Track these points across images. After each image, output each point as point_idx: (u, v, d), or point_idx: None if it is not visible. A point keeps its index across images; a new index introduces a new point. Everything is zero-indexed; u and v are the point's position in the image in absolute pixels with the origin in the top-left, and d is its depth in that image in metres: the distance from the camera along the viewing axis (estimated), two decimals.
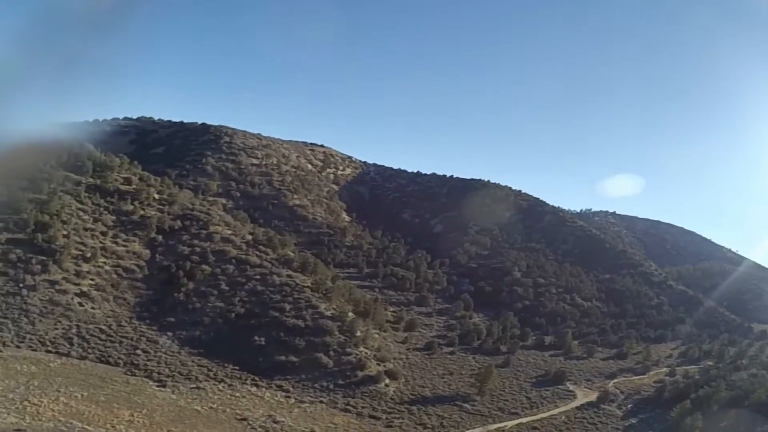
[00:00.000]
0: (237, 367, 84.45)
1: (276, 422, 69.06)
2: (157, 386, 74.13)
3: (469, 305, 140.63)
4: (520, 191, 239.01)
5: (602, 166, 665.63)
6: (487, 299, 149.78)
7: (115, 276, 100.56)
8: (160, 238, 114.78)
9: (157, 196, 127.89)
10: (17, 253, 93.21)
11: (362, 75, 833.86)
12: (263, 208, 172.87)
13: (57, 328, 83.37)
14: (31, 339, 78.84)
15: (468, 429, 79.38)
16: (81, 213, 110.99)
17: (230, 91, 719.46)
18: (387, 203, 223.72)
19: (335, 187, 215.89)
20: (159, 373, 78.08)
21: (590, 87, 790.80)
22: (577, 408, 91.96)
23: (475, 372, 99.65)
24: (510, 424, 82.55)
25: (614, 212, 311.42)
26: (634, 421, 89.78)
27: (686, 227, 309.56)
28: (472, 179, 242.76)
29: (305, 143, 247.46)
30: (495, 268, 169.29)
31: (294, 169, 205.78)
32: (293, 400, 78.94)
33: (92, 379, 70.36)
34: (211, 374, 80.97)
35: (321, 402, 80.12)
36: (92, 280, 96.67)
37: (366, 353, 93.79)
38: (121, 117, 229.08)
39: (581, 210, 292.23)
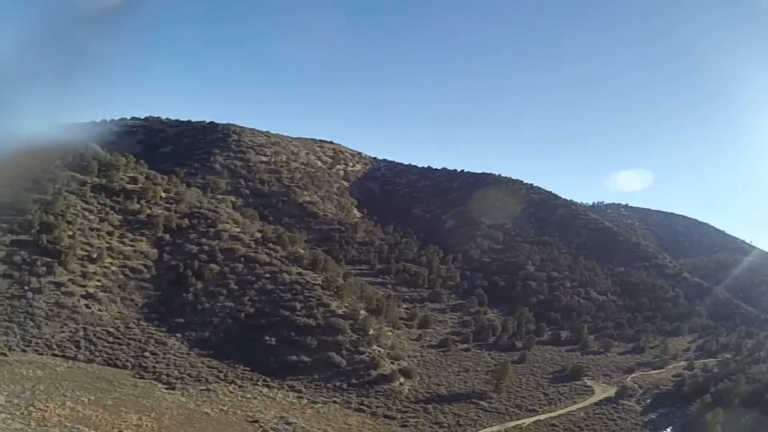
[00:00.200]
0: (248, 368, 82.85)
1: (288, 424, 67.42)
2: (166, 389, 72.57)
3: (483, 301, 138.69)
4: (531, 185, 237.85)
5: (611, 160, 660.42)
6: (501, 294, 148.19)
7: (122, 276, 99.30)
8: (167, 237, 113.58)
9: (163, 195, 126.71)
10: (22, 254, 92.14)
11: (370, 71, 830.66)
12: (273, 206, 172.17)
13: (63, 331, 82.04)
14: (37, 343, 77.55)
15: (485, 427, 77.35)
16: (86, 213, 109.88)
17: (237, 89, 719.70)
18: (398, 199, 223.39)
19: (345, 183, 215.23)
20: (168, 375, 76.53)
21: (599, 79, 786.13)
22: (596, 404, 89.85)
23: (491, 369, 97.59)
24: (528, 421, 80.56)
25: (626, 204, 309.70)
26: (653, 417, 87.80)
27: (699, 219, 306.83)
28: (482, 173, 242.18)
29: (314, 140, 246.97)
30: (508, 263, 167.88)
31: (303, 166, 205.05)
32: (306, 401, 77.21)
33: (99, 383, 68.96)
34: (222, 375, 79.40)
35: (334, 402, 78.34)
36: (99, 281, 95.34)
37: (379, 352, 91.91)
38: (128, 117, 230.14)
39: (593, 203, 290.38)
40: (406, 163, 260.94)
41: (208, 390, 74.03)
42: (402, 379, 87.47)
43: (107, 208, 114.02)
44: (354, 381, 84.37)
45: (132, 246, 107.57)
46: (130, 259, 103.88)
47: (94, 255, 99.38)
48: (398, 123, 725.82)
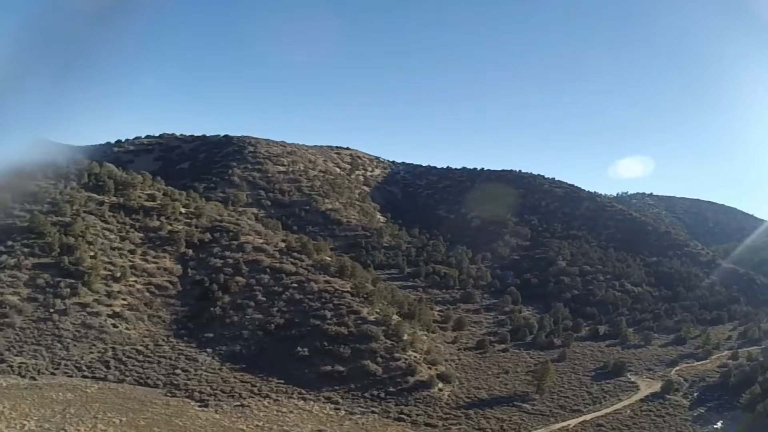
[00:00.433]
0: (281, 381, 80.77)
1: None
2: (199, 406, 70.70)
3: (517, 299, 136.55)
4: (553, 179, 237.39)
5: (629, 149, 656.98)
6: (535, 291, 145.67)
7: (147, 294, 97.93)
8: (190, 252, 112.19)
9: (183, 210, 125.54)
10: (45, 277, 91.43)
11: (379, 75, 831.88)
12: (296, 215, 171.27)
13: (92, 352, 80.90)
14: (66, 365, 76.57)
15: (530, 431, 74.54)
16: (107, 232, 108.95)
17: (247, 101, 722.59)
18: (421, 201, 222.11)
19: (366, 188, 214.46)
20: (200, 392, 74.56)
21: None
22: (642, 400, 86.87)
23: (531, 369, 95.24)
24: (573, 422, 77.69)
25: (651, 193, 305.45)
26: (702, 411, 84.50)
27: (726, 204, 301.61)
28: (503, 170, 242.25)
29: (330, 147, 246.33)
30: (539, 259, 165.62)
31: (322, 174, 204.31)
32: (343, 412, 74.60)
33: (131, 403, 67.52)
34: (255, 390, 77.29)
35: (373, 412, 75.58)
36: (124, 300, 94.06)
37: (415, 357, 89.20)
38: (143, 135, 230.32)
39: (618, 194, 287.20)
40: (425, 165, 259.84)
41: (242, 406, 71.89)
42: (441, 385, 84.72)
43: (127, 227, 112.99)
44: (391, 389, 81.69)
45: (155, 263, 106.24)
46: (154, 276, 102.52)
47: (118, 274, 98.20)
48: (412, 125, 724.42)
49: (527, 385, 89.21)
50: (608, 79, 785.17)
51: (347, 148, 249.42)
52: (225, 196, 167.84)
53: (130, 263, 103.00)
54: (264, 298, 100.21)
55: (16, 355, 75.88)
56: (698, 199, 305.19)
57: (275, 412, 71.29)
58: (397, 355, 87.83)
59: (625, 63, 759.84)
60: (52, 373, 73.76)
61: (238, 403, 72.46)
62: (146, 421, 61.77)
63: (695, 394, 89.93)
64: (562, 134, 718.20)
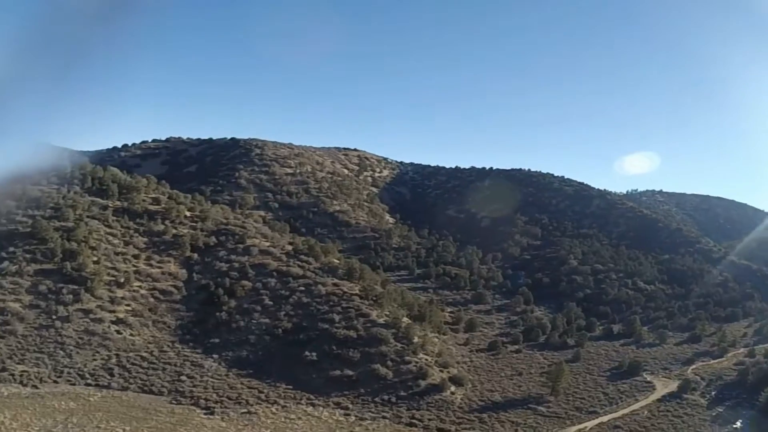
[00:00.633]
0: (290, 386, 79.41)
1: None
2: (205, 414, 69.45)
3: (529, 299, 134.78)
4: (563, 177, 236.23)
5: (637, 145, 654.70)
6: (546, 291, 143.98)
7: (152, 299, 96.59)
8: (195, 256, 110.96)
9: (188, 214, 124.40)
10: (47, 284, 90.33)
11: (384, 75, 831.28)
12: (304, 217, 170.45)
13: (95, 359, 79.79)
14: (69, 373, 75.63)
15: None
16: (110, 237, 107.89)
17: (253, 103, 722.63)
18: (430, 201, 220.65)
19: (374, 189, 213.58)
20: (206, 399, 73.31)
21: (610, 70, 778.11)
22: (659, 400, 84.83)
23: (545, 370, 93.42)
24: (590, 424, 75.97)
25: (660, 190, 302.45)
26: (720, 410, 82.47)
27: (737, 200, 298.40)
28: (512, 169, 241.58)
29: (338, 148, 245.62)
30: (550, 258, 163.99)
31: (330, 175, 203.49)
32: (354, 418, 73.13)
33: (135, 411, 66.48)
34: (263, 396, 75.95)
35: (384, 417, 73.97)
36: (128, 305, 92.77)
37: (427, 360, 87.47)
38: (149, 140, 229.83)
39: (627, 191, 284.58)
40: (433, 165, 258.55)
41: (249, 413, 70.55)
42: (453, 388, 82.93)
43: (131, 231, 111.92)
44: (402, 393, 79.98)
45: (160, 268, 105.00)
46: (158, 281, 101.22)
47: (122, 279, 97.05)
48: (419, 126, 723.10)
49: (541, 386, 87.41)
50: (614, 77, 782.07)
51: (355, 150, 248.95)
52: (232, 199, 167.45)
53: (134, 268, 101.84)
54: (271, 302, 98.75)
55: (18, 363, 74.81)
56: (708, 196, 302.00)
57: (283, 419, 69.95)
58: (407, 358, 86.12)
59: (628, 60, 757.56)
60: (55, 382, 72.77)
61: (245, 410, 71.17)
62: (150, 430, 60.69)
63: (713, 393, 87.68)
64: (570, 132, 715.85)
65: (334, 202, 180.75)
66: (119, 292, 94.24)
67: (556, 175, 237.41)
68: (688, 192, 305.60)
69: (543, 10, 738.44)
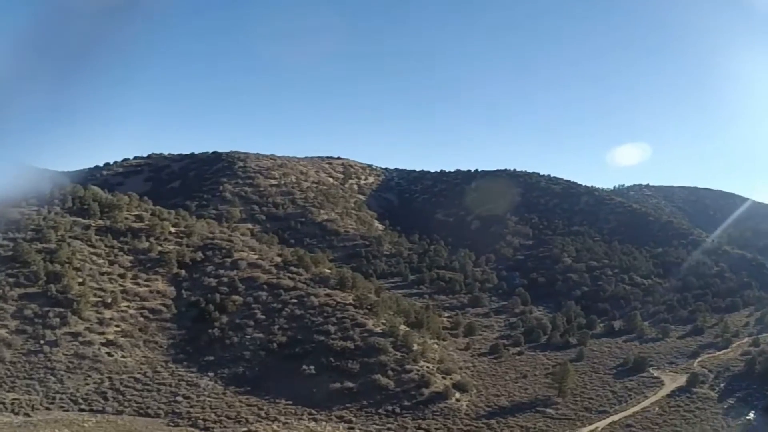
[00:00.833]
0: (290, 402, 77.28)
1: None
2: None
3: (527, 299, 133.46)
4: (549, 176, 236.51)
5: (619, 139, 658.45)
6: (543, 291, 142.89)
7: (141, 319, 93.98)
8: (183, 272, 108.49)
9: (173, 230, 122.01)
10: (32, 308, 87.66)
11: (363, 81, 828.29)
12: (292, 228, 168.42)
13: (88, 383, 77.39)
14: (61, 398, 73.37)
15: None
16: (94, 257, 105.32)
17: (233, 116, 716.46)
18: (418, 206, 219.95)
19: (361, 197, 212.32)
20: (204, 419, 71.14)
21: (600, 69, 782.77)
22: (668, 396, 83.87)
23: (550, 371, 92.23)
24: (601, 424, 74.58)
25: (648, 184, 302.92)
26: (731, 402, 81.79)
27: (724, 189, 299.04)
28: (498, 170, 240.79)
29: (321, 157, 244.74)
30: (544, 258, 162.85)
31: (315, 185, 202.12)
32: (358, 431, 70.29)
33: None
34: (263, 413, 73.74)
35: (389, 429, 71.88)
36: (117, 326, 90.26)
37: (428, 367, 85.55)
38: (131, 157, 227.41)
39: (615, 186, 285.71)
40: (418, 170, 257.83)
41: (249, 431, 68.23)
42: (458, 395, 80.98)
43: (115, 250, 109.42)
44: (406, 403, 77.90)
45: (147, 286, 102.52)
46: (147, 300, 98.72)
47: (109, 300, 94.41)
48: (401, 132, 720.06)
49: (548, 388, 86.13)
50: (596, 70, 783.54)
51: (338, 158, 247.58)
52: (218, 213, 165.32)
53: (121, 288, 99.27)
54: (263, 316, 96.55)
55: (8, 392, 72.16)
56: (696, 187, 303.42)
57: None
58: (408, 366, 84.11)
59: (612, 53, 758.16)
60: (47, 408, 70.35)
61: (245, 429, 69.18)
62: None
63: (722, 385, 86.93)
64: (554, 129, 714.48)
65: (322, 211, 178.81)
66: (107, 313, 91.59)
67: (542, 174, 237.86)
68: (676, 185, 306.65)
69: (523, 6, 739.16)
